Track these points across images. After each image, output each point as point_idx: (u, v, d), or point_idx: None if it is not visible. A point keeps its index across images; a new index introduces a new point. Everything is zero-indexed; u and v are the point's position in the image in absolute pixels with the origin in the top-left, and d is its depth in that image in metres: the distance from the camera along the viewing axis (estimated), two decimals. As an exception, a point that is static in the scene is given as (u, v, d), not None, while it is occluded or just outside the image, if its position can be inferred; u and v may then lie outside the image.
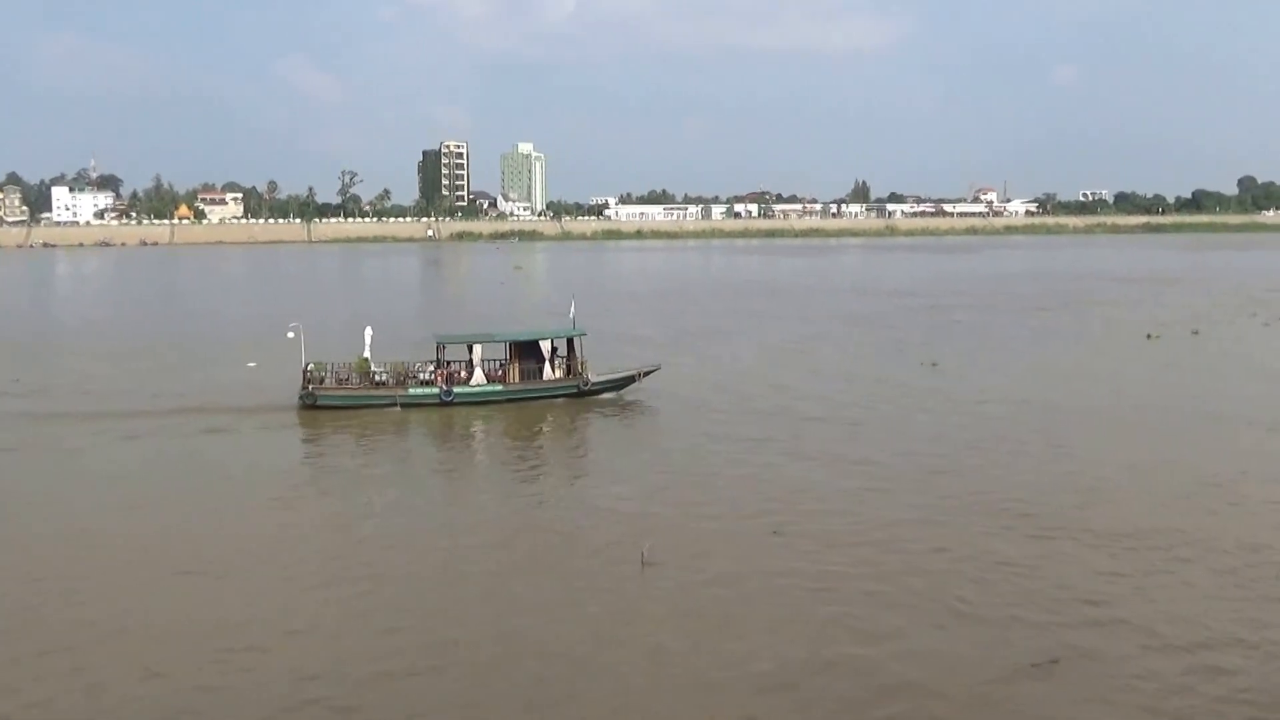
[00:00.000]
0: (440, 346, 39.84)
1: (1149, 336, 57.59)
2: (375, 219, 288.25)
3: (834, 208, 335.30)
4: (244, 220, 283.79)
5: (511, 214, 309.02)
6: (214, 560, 22.49)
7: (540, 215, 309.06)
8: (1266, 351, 52.88)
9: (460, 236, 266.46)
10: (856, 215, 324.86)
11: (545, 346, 39.94)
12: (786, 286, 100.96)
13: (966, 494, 26.56)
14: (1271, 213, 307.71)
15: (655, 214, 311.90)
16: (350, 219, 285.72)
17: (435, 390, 38.25)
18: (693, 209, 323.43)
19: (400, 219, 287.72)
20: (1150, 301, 79.60)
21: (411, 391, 38.18)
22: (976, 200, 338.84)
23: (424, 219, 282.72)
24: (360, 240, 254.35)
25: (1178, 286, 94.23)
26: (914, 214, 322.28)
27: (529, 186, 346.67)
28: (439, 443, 35.15)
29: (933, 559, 21.77)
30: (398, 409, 37.55)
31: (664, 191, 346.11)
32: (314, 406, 37.63)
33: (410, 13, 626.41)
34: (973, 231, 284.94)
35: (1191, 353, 52.23)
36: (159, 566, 22.13)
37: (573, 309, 41.96)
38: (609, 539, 23.49)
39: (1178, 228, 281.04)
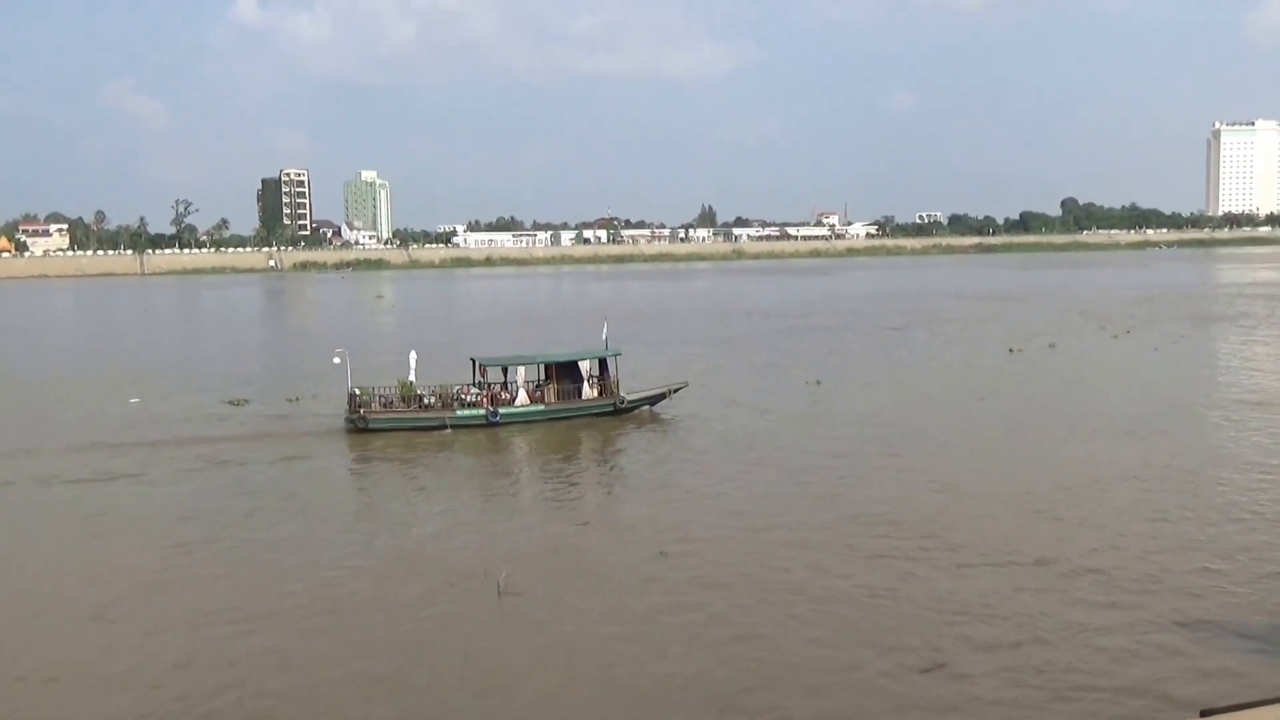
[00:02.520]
0: (481, 368, 40.61)
1: (1011, 350, 59.40)
2: (213, 249, 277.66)
3: (682, 232, 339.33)
4: (70, 253, 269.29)
5: (357, 243, 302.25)
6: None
7: (386, 244, 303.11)
8: (1121, 362, 55.19)
9: (304, 266, 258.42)
10: (704, 239, 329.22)
11: (584, 366, 41.12)
12: (649, 311, 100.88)
13: (849, 511, 26.68)
14: (1092, 232, 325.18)
15: (504, 241, 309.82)
16: (186, 250, 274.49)
17: (482, 412, 39.04)
18: (542, 235, 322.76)
19: (240, 249, 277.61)
20: (1001, 318, 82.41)
21: (459, 413, 38.92)
22: (819, 223, 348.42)
23: (265, 249, 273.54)
24: (198, 272, 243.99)
25: (1023, 303, 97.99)
26: (760, 237, 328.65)
27: (374, 215, 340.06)
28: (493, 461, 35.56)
29: (813, 577, 21.75)
30: (448, 430, 38.12)
31: (512, 218, 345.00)
32: (365, 430, 38.15)
33: (245, 36, 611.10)
34: (816, 254, 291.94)
35: (1054, 364, 54.04)
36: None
37: (605, 330, 43.81)
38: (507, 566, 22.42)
39: (1007, 247, 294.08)
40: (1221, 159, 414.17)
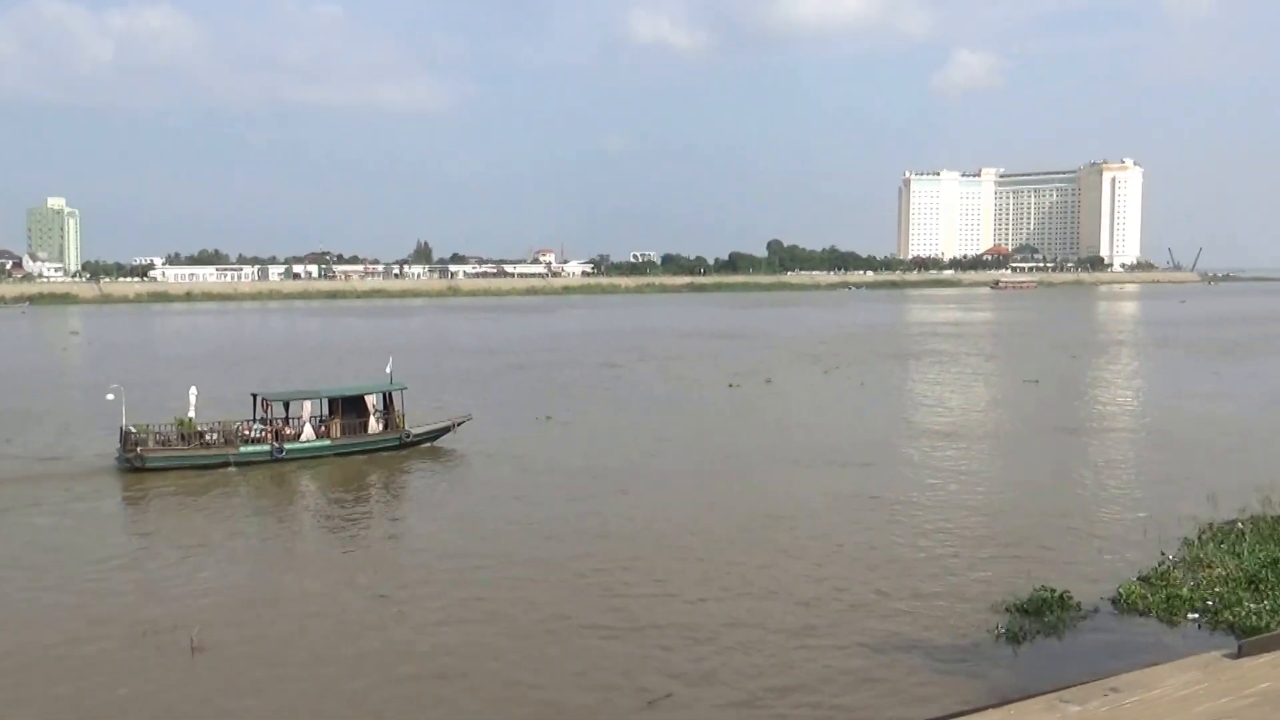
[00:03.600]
0: (264, 404, 39.12)
1: (730, 386, 61.25)
2: None
3: (397, 268, 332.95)
4: None
5: (40, 275, 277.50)
6: None
7: (75, 276, 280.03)
8: (831, 396, 58.17)
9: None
10: (420, 276, 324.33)
11: (370, 401, 40.57)
12: (366, 348, 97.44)
13: (579, 549, 26.71)
14: (795, 273, 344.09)
15: (207, 275, 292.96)
16: None
17: (266, 448, 37.83)
18: (249, 270, 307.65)
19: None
20: (719, 354, 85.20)
21: (243, 450, 37.61)
22: (536, 261, 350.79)
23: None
24: None
25: (738, 340, 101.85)
26: (477, 274, 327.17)
27: (61, 245, 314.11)
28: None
29: (533, 617, 21.56)
30: (231, 469, 36.77)
31: (217, 251, 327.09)
32: (141, 469, 36.06)
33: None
34: (533, 292, 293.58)
35: (771, 399, 56.17)
36: None
37: (390, 365, 43.43)
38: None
39: (718, 287, 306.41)
40: (911, 206, 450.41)
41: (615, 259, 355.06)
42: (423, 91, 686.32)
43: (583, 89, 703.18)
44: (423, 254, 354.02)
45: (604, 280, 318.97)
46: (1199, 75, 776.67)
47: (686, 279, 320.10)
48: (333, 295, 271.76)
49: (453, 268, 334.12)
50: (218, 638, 20.35)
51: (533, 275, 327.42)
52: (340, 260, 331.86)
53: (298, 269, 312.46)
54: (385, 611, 22.12)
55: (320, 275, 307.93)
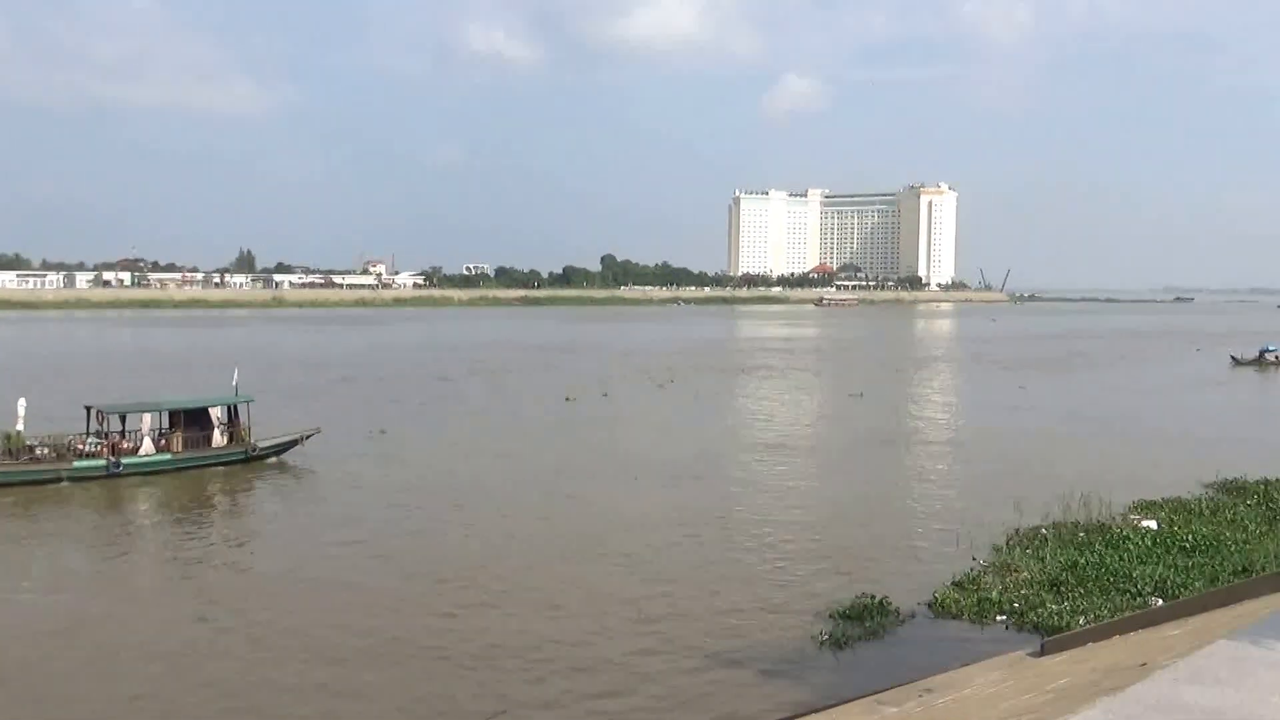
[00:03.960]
0: (99, 416, 37.42)
1: (567, 399, 61.57)
2: None
3: (218, 277, 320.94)
4: None
5: None
6: None
7: None
8: (666, 410, 59.22)
9: None
10: (242, 286, 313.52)
11: (214, 413, 39.45)
12: (184, 360, 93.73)
13: (412, 568, 26.40)
14: (629, 288, 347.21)
15: (7, 281, 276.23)
16: None
17: (102, 462, 36.16)
18: (53, 276, 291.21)
19: None
20: (555, 368, 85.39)
21: (77, 465, 35.86)
22: (366, 272, 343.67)
23: None
24: None
25: (574, 354, 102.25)
26: (303, 285, 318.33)
27: None
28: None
29: (354, 641, 21.06)
30: (64, 484, 35.08)
31: (17, 256, 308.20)
32: None
33: None
34: (363, 303, 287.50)
35: (607, 413, 56.75)
36: None
37: (235, 376, 42.33)
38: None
39: (552, 300, 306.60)
40: (741, 224, 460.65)
41: (448, 271, 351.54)
42: (244, 94, 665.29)
43: (415, 98, 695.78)
44: (246, 262, 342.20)
45: (437, 292, 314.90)
46: (1008, 106, 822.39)
47: (521, 292, 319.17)
48: (147, 304, 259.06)
49: (278, 277, 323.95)
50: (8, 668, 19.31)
51: (363, 286, 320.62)
52: (156, 268, 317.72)
53: (108, 276, 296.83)
54: (202, 638, 21.28)
55: (133, 283, 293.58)
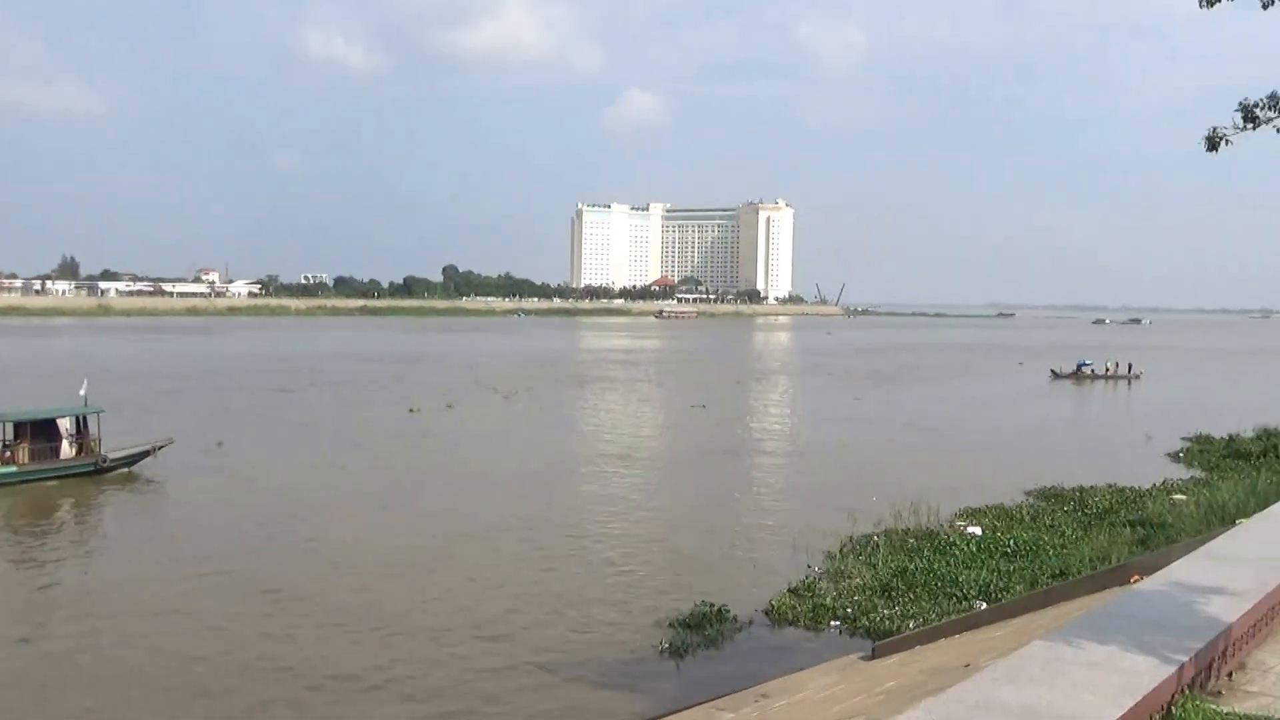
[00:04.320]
0: None
1: (411, 411, 60.65)
2: None
3: (38, 284, 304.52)
4: None
5: None
6: None
7: None
8: (512, 422, 59.05)
9: None
10: (64, 293, 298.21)
11: (62, 425, 38.69)
12: (3, 369, 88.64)
13: (256, 585, 25.64)
14: (471, 299, 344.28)
15: None
16: None
17: None
18: None
19: None
20: (397, 379, 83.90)
21: None
22: (199, 280, 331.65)
23: None
24: None
25: (417, 365, 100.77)
26: (131, 293, 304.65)
27: None
28: None
29: (188, 669, 20.30)
30: None
31: None
32: None
33: None
34: (195, 312, 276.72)
35: (452, 424, 56.23)
36: None
37: (84, 387, 40.88)
38: None
39: (392, 311, 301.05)
40: (584, 236, 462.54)
41: (285, 280, 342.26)
42: (70, 95, 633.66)
43: (251, 103, 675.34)
44: (69, 269, 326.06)
45: (273, 301, 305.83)
46: (843, 126, 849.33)
47: (360, 302, 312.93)
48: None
49: (104, 285, 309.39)
50: None
51: (195, 295, 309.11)
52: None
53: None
54: (20, 664, 20.25)
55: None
